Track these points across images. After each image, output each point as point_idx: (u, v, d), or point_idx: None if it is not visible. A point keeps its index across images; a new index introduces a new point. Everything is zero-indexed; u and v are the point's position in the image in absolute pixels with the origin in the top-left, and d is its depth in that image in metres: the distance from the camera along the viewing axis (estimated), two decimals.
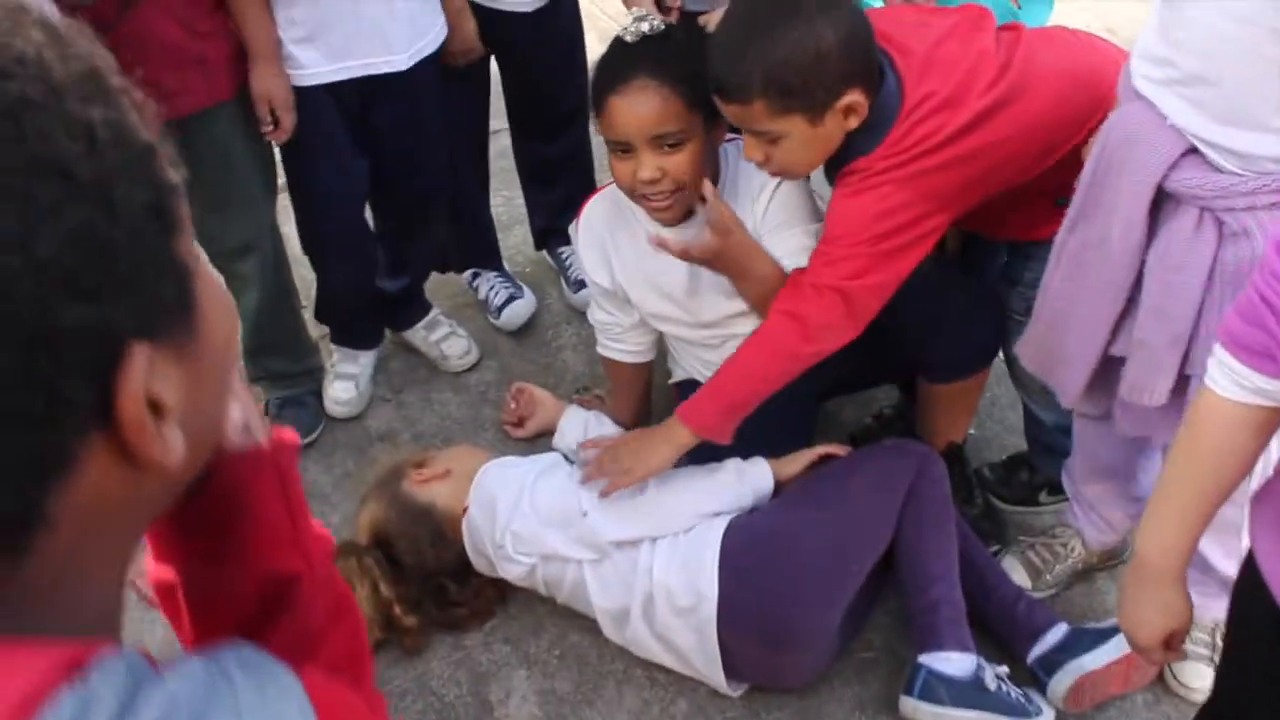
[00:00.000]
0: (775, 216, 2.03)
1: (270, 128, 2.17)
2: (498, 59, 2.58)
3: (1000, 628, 2.03)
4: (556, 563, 2.00)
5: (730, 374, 1.94)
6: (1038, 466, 2.34)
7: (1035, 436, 2.30)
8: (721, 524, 1.95)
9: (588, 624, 2.10)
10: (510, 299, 2.86)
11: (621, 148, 1.94)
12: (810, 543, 1.91)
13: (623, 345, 2.33)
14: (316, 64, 2.17)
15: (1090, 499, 2.08)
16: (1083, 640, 1.96)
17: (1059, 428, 2.15)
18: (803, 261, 1.92)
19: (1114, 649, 1.93)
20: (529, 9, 2.40)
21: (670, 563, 1.93)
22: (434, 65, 2.30)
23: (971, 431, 2.42)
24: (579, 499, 1.98)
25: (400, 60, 2.22)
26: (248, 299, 2.42)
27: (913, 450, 2.04)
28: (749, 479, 2.03)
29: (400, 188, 2.47)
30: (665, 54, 1.89)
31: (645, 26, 1.90)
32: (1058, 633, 1.98)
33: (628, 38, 1.92)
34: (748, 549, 1.92)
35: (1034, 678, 1.98)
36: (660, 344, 2.40)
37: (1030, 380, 2.18)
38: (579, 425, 2.42)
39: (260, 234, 2.37)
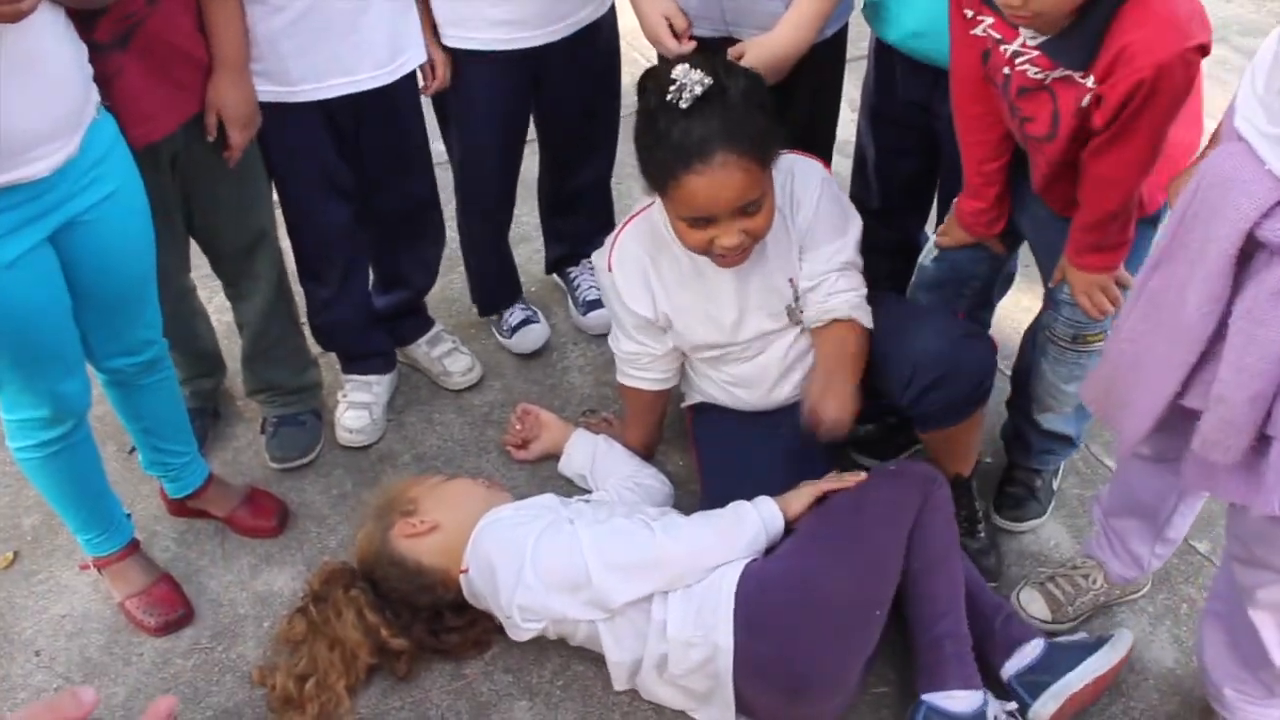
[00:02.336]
0: (818, 231, 2.03)
1: (212, 137, 2.07)
2: (534, 94, 2.51)
3: (976, 639, 1.94)
4: (568, 624, 1.94)
5: None
6: (1034, 465, 2.34)
7: (1030, 441, 2.30)
8: (735, 572, 1.87)
9: (592, 654, 2.03)
10: (525, 321, 2.80)
11: (698, 220, 1.89)
12: (829, 591, 1.83)
13: (649, 374, 2.25)
14: (305, 81, 2.13)
15: (1119, 531, 2.02)
16: (1063, 658, 1.91)
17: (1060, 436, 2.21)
18: (842, 279, 2.03)
19: (1097, 664, 1.90)
20: (559, 38, 2.32)
21: (684, 617, 1.85)
22: (415, 82, 2.29)
23: (988, 460, 2.36)
24: (584, 561, 1.89)
25: (386, 73, 2.19)
26: (253, 303, 2.39)
27: (918, 476, 1.97)
28: (757, 522, 1.95)
29: (388, 201, 2.43)
30: (732, 119, 1.80)
31: (698, 90, 1.80)
32: (1035, 648, 1.92)
33: (682, 104, 1.80)
34: (764, 600, 1.84)
35: (1009, 694, 1.91)
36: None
37: (1044, 393, 2.16)
38: (587, 450, 2.36)
39: (270, 224, 2.33)
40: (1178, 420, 1.57)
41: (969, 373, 2.01)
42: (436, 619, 2.04)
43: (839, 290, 2.05)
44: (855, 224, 2.10)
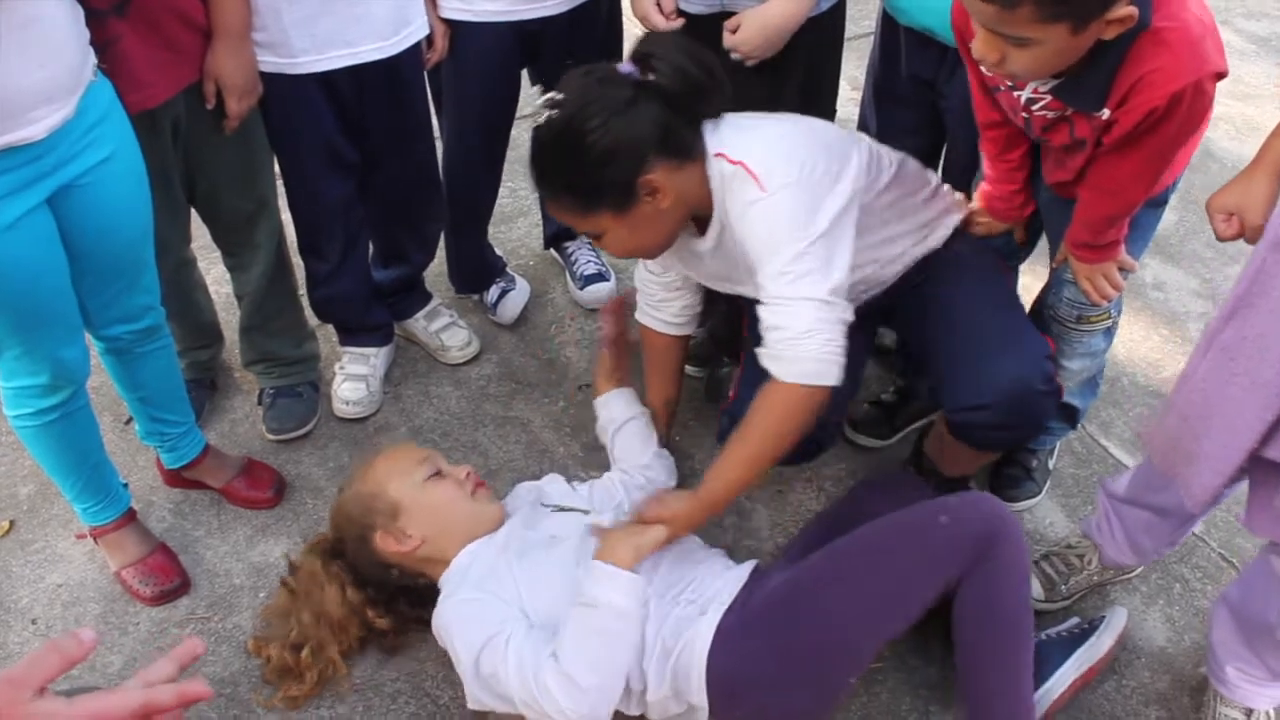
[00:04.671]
0: (756, 241, 1.76)
1: (210, 105, 2.06)
2: (530, 69, 2.52)
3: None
4: None
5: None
6: (1031, 444, 2.34)
7: None
8: (707, 634, 1.73)
9: None
10: (503, 293, 2.82)
11: None
12: (814, 653, 1.69)
13: (659, 315, 2.23)
14: (307, 53, 2.12)
15: (1128, 521, 2.00)
16: (1045, 661, 1.88)
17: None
18: (792, 284, 1.70)
19: (1076, 665, 1.90)
20: (557, 12, 2.31)
21: (660, 677, 1.75)
22: (420, 54, 2.28)
23: None
24: (512, 695, 1.72)
25: (389, 45, 2.18)
26: (252, 273, 2.39)
27: (980, 522, 1.66)
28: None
29: (391, 175, 2.42)
30: (548, 166, 1.77)
31: (537, 120, 1.76)
32: None
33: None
34: (739, 667, 1.72)
35: None
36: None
37: (1061, 333, 2.13)
38: (624, 412, 2.27)
39: (271, 194, 2.33)
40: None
41: (1033, 425, 1.98)
42: (416, 593, 2.00)
43: (770, 342, 1.74)
44: (789, 247, 1.71)
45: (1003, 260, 2.16)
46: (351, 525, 1.97)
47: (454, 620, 1.81)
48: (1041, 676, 1.84)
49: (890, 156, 1.99)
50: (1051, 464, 2.39)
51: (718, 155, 1.78)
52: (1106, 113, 1.63)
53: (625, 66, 1.74)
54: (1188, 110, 1.57)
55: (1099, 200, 1.81)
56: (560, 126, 1.72)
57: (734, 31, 2.07)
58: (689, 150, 1.77)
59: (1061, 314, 2.07)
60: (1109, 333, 2.12)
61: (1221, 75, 1.57)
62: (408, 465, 1.99)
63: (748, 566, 1.89)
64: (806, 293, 1.70)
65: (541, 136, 1.75)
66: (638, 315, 2.29)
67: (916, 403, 2.48)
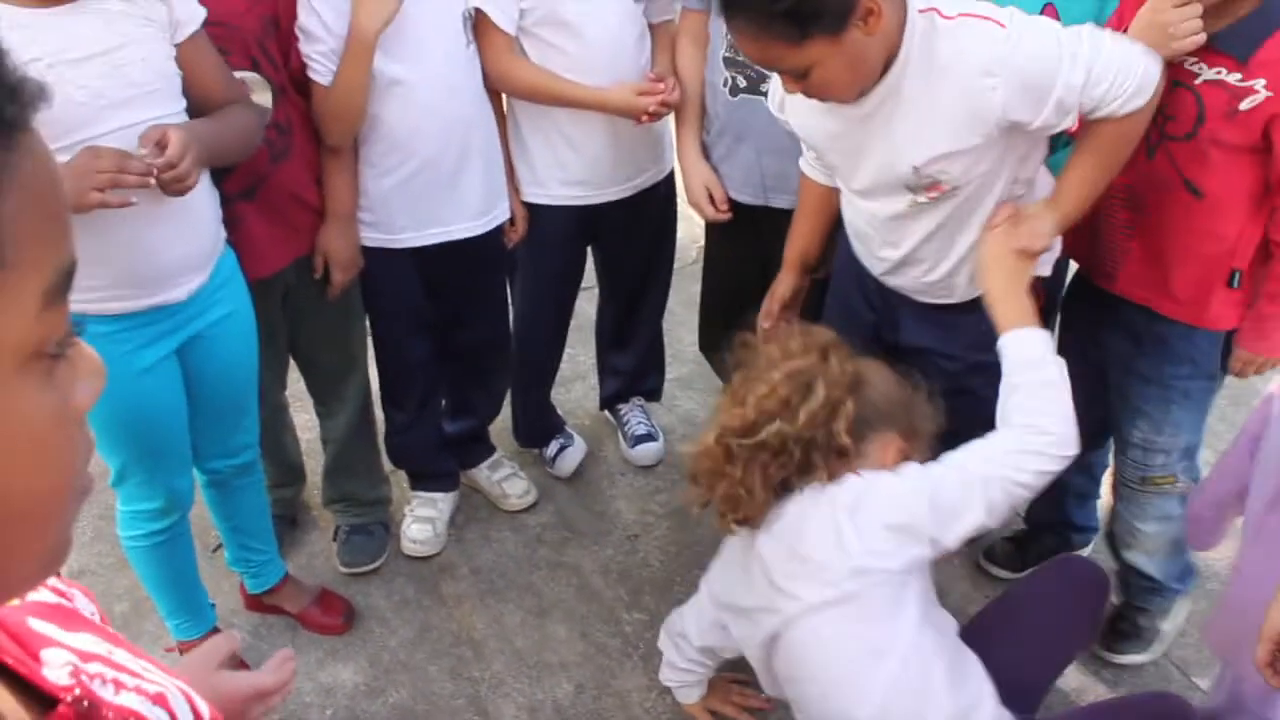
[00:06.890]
0: (1031, 73, 1.70)
1: (318, 275, 2.36)
2: (593, 247, 2.81)
3: None
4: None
5: None
6: (1137, 602, 2.30)
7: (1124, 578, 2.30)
8: None
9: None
10: (561, 449, 3.05)
11: None
12: None
13: (820, 164, 2.16)
14: (406, 230, 2.42)
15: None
16: None
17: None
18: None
19: None
20: (622, 197, 2.60)
21: None
22: (501, 232, 2.57)
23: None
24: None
25: (478, 226, 2.48)
26: (338, 421, 2.65)
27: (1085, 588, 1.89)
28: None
29: (468, 337, 2.70)
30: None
31: None
32: None
33: None
34: None
35: None
36: None
37: (1124, 532, 2.17)
38: None
39: (362, 353, 2.60)
40: None
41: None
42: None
43: (1108, 95, 1.68)
44: (1060, 81, 1.68)
45: None
46: (888, 402, 1.79)
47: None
48: None
49: None
50: (1163, 625, 2.32)
51: (926, 10, 1.73)
52: (1262, 83, 1.63)
53: None
54: None
55: None
56: None
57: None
58: None
59: (1127, 476, 2.10)
60: (1184, 498, 2.07)
61: None
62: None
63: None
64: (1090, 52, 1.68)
65: None
66: (801, 164, 2.21)
67: (1047, 537, 2.53)
